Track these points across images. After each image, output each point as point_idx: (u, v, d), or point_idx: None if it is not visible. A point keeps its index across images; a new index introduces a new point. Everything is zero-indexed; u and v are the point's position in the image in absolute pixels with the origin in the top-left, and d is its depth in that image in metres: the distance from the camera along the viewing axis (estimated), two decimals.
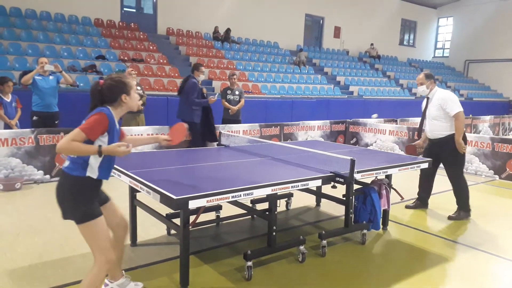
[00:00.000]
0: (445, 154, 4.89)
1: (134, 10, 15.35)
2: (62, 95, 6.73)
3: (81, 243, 2.76)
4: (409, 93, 18.79)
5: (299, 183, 3.18)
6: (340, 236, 4.11)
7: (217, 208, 4.39)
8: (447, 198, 5.59)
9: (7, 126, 6.32)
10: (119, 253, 2.81)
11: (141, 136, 2.73)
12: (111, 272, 2.80)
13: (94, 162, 2.46)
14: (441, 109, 4.80)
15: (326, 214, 4.99)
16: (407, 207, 5.30)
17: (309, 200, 5.33)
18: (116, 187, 5.75)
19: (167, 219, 3.53)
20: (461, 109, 4.76)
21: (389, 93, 17.69)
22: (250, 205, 4.55)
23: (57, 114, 6.56)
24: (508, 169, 7.19)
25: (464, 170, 5.10)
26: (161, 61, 12.75)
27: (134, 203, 3.80)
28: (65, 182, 2.45)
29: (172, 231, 4.09)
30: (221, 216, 4.39)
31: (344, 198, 3.97)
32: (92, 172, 2.47)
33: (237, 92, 7.85)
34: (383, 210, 4.25)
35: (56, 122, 6.54)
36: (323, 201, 5.23)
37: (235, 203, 4.03)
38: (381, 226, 4.24)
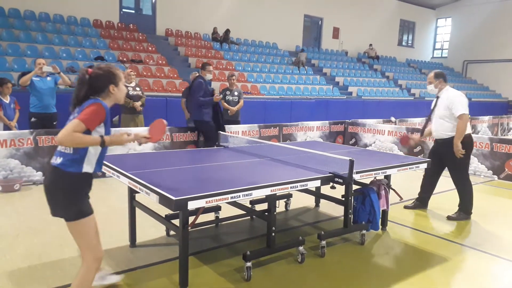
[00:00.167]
0: (449, 156, 4.84)
1: (133, 11, 15.35)
2: (60, 96, 6.72)
3: None
4: (408, 94, 18.82)
5: (298, 184, 3.19)
6: (339, 237, 4.11)
7: (216, 209, 4.39)
8: (446, 199, 5.60)
9: (6, 128, 6.31)
10: None
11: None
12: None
13: (94, 155, 2.44)
14: (448, 109, 4.76)
15: (325, 214, 4.99)
16: (405, 207, 5.30)
17: (308, 201, 5.33)
18: (115, 188, 5.77)
19: (166, 220, 3.53)
20: (467, 111, 4.71)
21: (388, 94, 17.71)
22: (249, 205, 4.55)
23: (55, 115, 6.56)
24: (507, 169, 7.20)
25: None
26: (160, 62, 12.75)
27: (133, 204, 3.80)
28: (58, 179, 2.39)
29: (171, 232, 4.08)
30: (220, 217, 4.39)
31: (343, 199, 3.98)
32: (90, 166, 2.44)
33: (236, 93, 7.85)
34: (382, 210, 4.25)
35: (54, 123, 6.53)
36: (322, 201, 5.24)
37: (234, 204, 4.03)
38: (380, 227, 4.25)
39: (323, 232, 3.76)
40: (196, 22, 16.15)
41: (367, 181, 4.20)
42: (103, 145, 2.41)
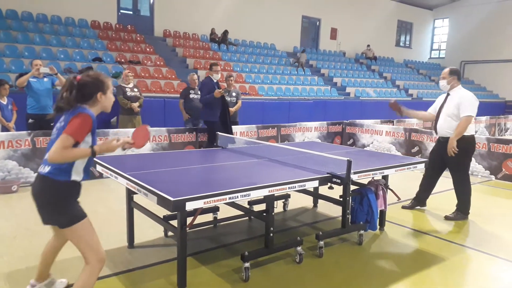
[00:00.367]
0: (452, 156, 4.81)
1: (131, 12, 15.34)
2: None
3: None
4: (406, 94, 18.86)
5: (296, 184, 3.19)
6: (337, 237, 4.12)
7: (215, 209, 4.40)
8: (444, 199, 5.61)
9: (4, 129, 6.30)
10: (53, 258, 2.85)
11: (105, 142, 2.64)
12: (40, 273, 2.84)
13: (81, 165, 2.46)
14: (457, 108, 4.72)
15: (323, 215, 5.00)
16: (403, 207, 5.30)
17: (306, 201, 5.34)
18: (114, 189, 5.77)
19: (164, 221, 3.53)
20: (473, 114, 4.69)
21: (386, 94, 17.74)
22: (247, 206, 4.56)
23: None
24: (504, 169, 7.23)
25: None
26: (158, 63, 12.75)
27: (131, 205, 3.80)
28: (48, 188, 2.41)
29: (170, 233, 4.08)
30: (218, 218, 4.39)
31: (341, 199, 3.99)
32: (78, 175, 2.47)
33: (234, 94, 7.85)
34: (380, 210, 4.26)
35: (51, 124, 6.52)
36: (320, 202, 5.24)
37: (232, 205, 4.03)
38: (378, 227, 4.26)
39: (321, 233, 3.76)
40: (194, 23, 16.15)
41: (365, 181, 4.21)
42: (94, 155, 2.43)
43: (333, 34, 21.59)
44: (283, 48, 18.87)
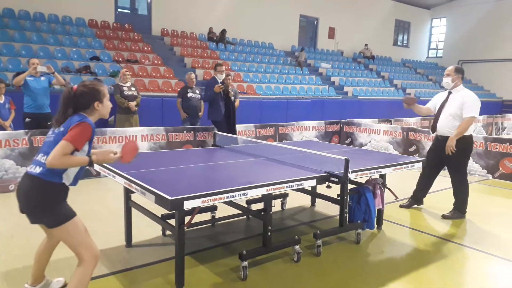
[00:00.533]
0: (453, 154, 4.77)
1: (129, 11, 15.31)
2: (54, 96, 6.69)
3: None
4: (403, 93, 18.89)
5: (294, 183, 3.20)
6: (335, 236, 4.13)
7: (212, 208, 4.39)
8: (442, 197, 5.63)
9: (1, 128, 6.28)
10: (47, 259, 2.87)
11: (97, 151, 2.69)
12: (34, 276, 2.85)
13: (73, 172, 2.52)
14: (461, 108, 4.69)
15: (321, 214, 5.00)
16: (401, 206, 5.31)
17: (304, 200, 5.34)
18: (111, 188, 5.76)
19: (162, 219, 3.52)
20: (477, 115, 4.69)
21: (383, 94, 17.77)
22: (245, 205, 4.56)
23: (49, 115, 6.52)
24: (501, 168, 7.25)
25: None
26: (156, 62, 12.73)
27: (129, 204, 3.79)
28: (38, 188, 2.43)
29: (167, 232, 4.08)
30: (216, 217, 4.39)
31: (339, 198, 3.99)
32: (68, 180, 2.52)
33: (232, 93, 7.84)
34: (378, 209, 4.27)
35: (48, 123, 6.50)
36: (318, 201, 5.25)
37: (230, 204, 4.03)
38: (375, 226, 4.26)
39: (319, 231, 3.77)
40: (191, 22, 16.13)
41: (362, 180, 4.22)
42: (91, 164, 2.50)
43: (331, 33, 21.60)
44: (281, 47, 18.87)
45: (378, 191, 4.21)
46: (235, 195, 2.83)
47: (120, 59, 12.03)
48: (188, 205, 2.60)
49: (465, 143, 4.78)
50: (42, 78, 6.43)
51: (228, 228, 4.39)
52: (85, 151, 2.51)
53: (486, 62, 23.88)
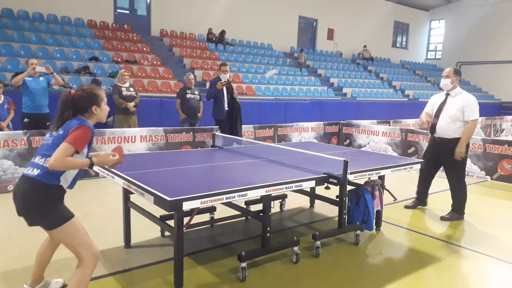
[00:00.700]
0: (449, 156, 4.81)
1: (128, 12, 15.31)
2: (54, 97, 6.68)
3: None
4: (402, 95, 18.92)
5: (293, 184, 3.20)
6: (333, 237, 4.13)
7: (211, 209, 4.39)
8: (440, 199, 5.63)
9: None
10: (48, 258, 2.87)
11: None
12: (34, 277, 2.85)
13: (71, 175, 2.56)
14: (462, 111, 4.72)
15: (319, 215, 5.01)
16: (406, 207, 5.33)
17: (303, 201, 5.35)
18: (110, 189, 5.75)
19: (161, 220, 3.53)
20: (478, 117, 4.75)
21: (382, 95, 17.80)
22: (244, 206, 4.56)
23: (48, 115, 6.52)
24: (499, 170, 7.26)
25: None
26: (155, 62, 12.72)
27: (128, 204, 3.79)
28: (35, 190, 2.45)
29: (166, 233, 4.08)
30: (215, 218, 4.39)
31: (338, 199, 3.99)
32: (65, 182, 2.55)
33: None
34: (376, 211, 4.27)
35: (47, 123, 6.49)
36: (317, 202, 5.25)
37: (229, 205, 4.03)
38: (374, 227, 4.27)
39: (317, 233, 3.77)
40: (191, 23, 16.14)
41: (361, 181, 4.22)
42: (92, 166, 2.54)
43: (330, 34, 21.63)
44: (280, 48, 18.89)
45: (377, 193, 4.22)
46: (234, 196, 2.83)
47: (119, 59, 12.02)
48: (187, 206, 2.60)
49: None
50: (41, 78, 6.42)
51: (227, 229, 4.39)
52: (84, 153, 2.55)
53: (485, 64, 23.93)
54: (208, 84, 12.44)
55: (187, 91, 7.94)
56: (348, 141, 9.93)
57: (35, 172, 2.46)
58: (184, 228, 2.93)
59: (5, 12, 12.05)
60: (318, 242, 3.72)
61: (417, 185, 5.37)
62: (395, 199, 4.51)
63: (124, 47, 13.00)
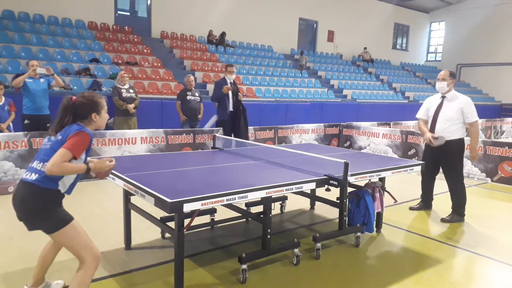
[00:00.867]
0: (448, 158, 4.86)
1: (128, 13, 15.33)
2: (55, 98, 6.70)
3: None
4: (402, 97, 18.94)
5: (294, 186, 3.20)
6: (334, 239, 4.12)
7: (212, 211, 4.39)
8: (442, 200, 5.62)
9: None
10: (51, 259, 2.87)
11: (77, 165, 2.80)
12: (35, 278, 2.84)
13: (69, 179, 2.57)
14: (461, 113, 4.76)
15: (320, 217, 5.00)
16: (411, 208, 5.34)
17: (304, 203, 5.34)
18: (111, 191, 5.75)
19: (161, 222, 3.52)
20: (478, 118, 4.83)
21: (382, 97, 17.81)
22: (245, 208, 4.56)
23: (48, 117, 6.52)
24: (500, 172, 7.26)
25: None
26: (155, 64, 12.74)
27: (128, 206, 3.79)
28: (34, 194, 2.46)
29: (167, 235, 4.08)
30: (215, 219, 4.39)
31: (338, 201, 3.99)
32: (63, 187, 2.56)
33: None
34: (377, 212, 4.27)
35: (48, 125, 6.49)
36: (317, 204, 5.25)
37: (230, 206, 4.03)
38: (375, 229, 4.26)
39: (318, 235, 3.77)
40: (191, 25, 16.16)
41: (362, 183, 4.23)
42: (88, 172, 2.55)
43: (330, 36, 21.66)
44: (281, 50, 18.91)
45: (378, 194, 4.22)
46: (235, 198, 2.83)
47: (120, 61, 12.04)
48: (187, 207, 2.60)
49: (457, 147, 4.87)
50: (42, 80, 6.43)
51: (228, 231, 4.39)
52: (82, 159, 2.56)
53: (485, 66, 23.95)
54: (208, 86, 12.55)
55: (188, 92, 7.94)
56: (348, 143, 9.93)
57: (33, 176, 2.48)
58: (185, 230, 2.92)
59: (6, 14, 12.07)
60: (318, 244, 3.72)
61: (421, 188, 5.38)
62: (396, 201, 4.51)
63: (125, 48, 13.02)
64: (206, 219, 4.37)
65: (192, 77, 8.16)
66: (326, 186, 3.48)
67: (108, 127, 7.84)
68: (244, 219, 4.60)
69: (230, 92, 7.07)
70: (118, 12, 14.93)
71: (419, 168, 4.34)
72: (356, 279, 3.38)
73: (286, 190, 3.17)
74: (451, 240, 4.36)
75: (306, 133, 9.41)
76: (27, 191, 2.47)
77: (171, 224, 3.22)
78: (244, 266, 3.21)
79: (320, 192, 4.29)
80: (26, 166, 5.87)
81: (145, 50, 13.41)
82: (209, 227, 4.36)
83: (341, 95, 16.64)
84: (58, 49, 11.36)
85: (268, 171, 3.72)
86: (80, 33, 12.88)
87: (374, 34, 23.04)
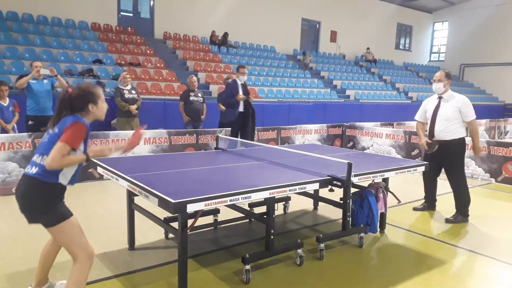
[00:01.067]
0: (449, 158, 4.88)
1: (131, 15, 15.36)
2: (57, 99, 6.72)
3: None
4: (405, 97, 18.89)
5: (297, 187, 3.19)
6: (337, 240, 4.12)
7: (215, 211, 4.40)
8: (446, 201, 5.61)
9: (4, 131, 6.30)
10: (52, 260, 2.87)
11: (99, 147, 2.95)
12: (38, 278, 2.85)
13: (69, 172, 2.56)
14: (459, 113, 4.79)
15: (323, 217, 5.00)
16: (414, 209, 5.34)
17: (307, 204, 5.34)
18: (114, 191, 5.77)
19: (165, 222, 3.53)
20: (475, 116, 4.88)
21: (386, 97, 17.77)
22: (248, 208, 4.56)
23: (52, 118, 6.54)
24: (504, 173, 7.23)
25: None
26: (158, 65, 12.76)
27: (132, 207, 3.80)
28: (35, 189, 2.47)
29: (170, 235, 4.08)
30: (219, 220, 4.40)
31: (342, 202, 3.99)
32: (64, 179, 2.55)
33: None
34: (381, 213, 4.27)
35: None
36: (321, 204, 5.25)
37: (233, 207, 4.03)
38: (378, 229, 4.26)
39: (321, 235, 3.77)
40: (194, 26, 16.18)
41: (365, 184, 4.22)
42: (88, 160, 2.55)
43: (333, 36, 21.63)
44: (283, 50, 18.90)
45: (381, 195, 4.21)
46: (238, 198, 2.83)
47: (123, 62, 12.07)
48: (191, 208, 2.60)
49: (459, 146, 4.88)
50: (45, 81, 6.45)
51: (231, 231, 4.39)
52: (81, 150, 2.55)
53: (488, 66, 23.86)
54: (211, 87, 12.56)
55: (191, 93, 7.96)
56: (351, 143, 9.91)
57: (34, 170, 2.48)
58: (188, 230, 2.93)
59: (10, 15, 12.12)
60: (322, 245, 3.72)
61: (424, 189, 5.37)
62: (399, 201, 4.50)
63: (128, 49, 13.05)
64: (209, 219, 4.37)
65: (194, 78, 8.17)
66: (330, 186, 3.48)
67: (113, 127, 7.87)
68: (247, 220, 4.60)
69: (241, 93, 7.05)
70: (121, 13, 14.97)
71: (422, 168, 4.34)
72: (359, 280, 3.37)
73: (290, 190, 3.16)
74: (455, 240, 4.35)
75: (309, 134, 9.40)
76: (28, 185, 2.49)
77: (175, 225, 3.23)
78: (248, 267, 3.21)
79: (324, 192, 4.29)
80: None
81: (148, 51, 13.44)
82: (213, 227, 4.37)
83: (344, 96, 16.61)
84: (62, 50, 11.40)
85: (271, 171, 3.71)
86: (83, 34, 12.92)
87: (377, 34, 22.99)
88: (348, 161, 3.41)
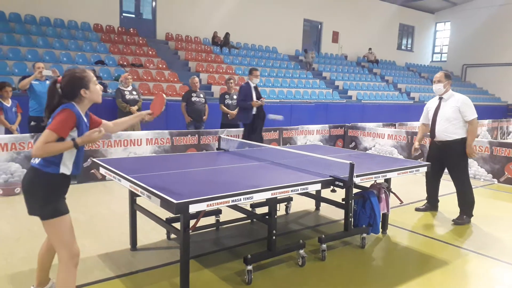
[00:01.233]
0: (452, 158, 4.89)
1: (133, 16, 15.40)
2: None
3: (81, 247, 2.77)
4: (408, 97, 18.86)
5: (299, 187, 3.19)
6: (339, 240, 4.11)
7: (217, 212, 4.40)
8: (448, 201, 5.60)
9: (8, 131, 6.32)
10: (49, 260, 2.85)
11: (123, 118, 2.99)
12: (39, 279, 2.84)
13: (69, 158, 2.52)
14: (459, 112, 4.79)
15: (325, 218, 5.00)
16: (416, 209, 5.33)
17: (309, 204, 5.34)
18: (116, 191, 5.78)
19: (167, 223, 3.53)
20: (477, 115, 4.84)
21: (388, 98, 17.75)
22: (250, 209, 4.56)
23: None
24: (506, 173, 7.21)
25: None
26: (160, 66, 12.78)
27: (134, 207, 3.80)
28: (36, 179, 2.47)
29: (172, 235, 4.09)
30: (221, 220, 4.40)
31: (344, 202, 3.99)
32: (66, 168, 2.52)
33: (235, 97, 7.89)
34: (383, 214, 4.26)
35: None
36: (323, 205, 5.24)
37: (235, 207, 4.04)
38: (380, 230, 4.25)
39: (323, 236, 3.76)
40: (196, 26, 16.20)
41: (367, 184, 4.22)
42: (77, 147, 2.47)
43: (335, 37, 21.63)
44: (285, 51, 18.90)
45: (383, 195, 4.21)
46: (240, 199, 2.83)
47: (125, 63, 12.09)
48: (193, 208, 2.61)
49: (460, 146, 4.87)
50: (48, 82, 6.47)
51: (233, 232, 4.39)
52: (74, 137, 2.49)
53: (491, 66, 23.81)
54: (213, 87, 12.57)
55: (192, 94, 7.97)
56: (353, 143, 9.90)
57: (36, 160, 2.49)
58: (190, 231, 2.93)
59: (13, 17, 12.17)
60: (324, 245, 3.71)
61: (426, 190, 5.37)
62: (401, 202, 4.50)
63: (130, 50, 13.08)
64: (211, 220, 4.38)
65: (196, 79, 8.19)
66: (332, 187, 3.48)
67: None
68: (249, 220, 4.59)
69: (254, 97, 7.02)
70: (123, 14, 15.00)
71: (425, 169, 4.33)
72: (361, 281, 3.37)
73: (292, 191, 3.16)
74: (457, 241, 4.34)
75: (311, 134, 9.40)
76: (31, 175, 2.49)
77: (177, 225, 3.23)
78: (250, 267, 3.21)
79: (326, 193, 4.28)
80: None
81: (150, 52, 13.46)
82: (214, 228, 4.37)
83: (346, 96, 16.60)
84: (64, 51, 11.43)
85: (273, 172, 3.72)
86: (86, 35, 12.96)
87: (378, 34, 22.98)
88: (350, 161, 3.41)
